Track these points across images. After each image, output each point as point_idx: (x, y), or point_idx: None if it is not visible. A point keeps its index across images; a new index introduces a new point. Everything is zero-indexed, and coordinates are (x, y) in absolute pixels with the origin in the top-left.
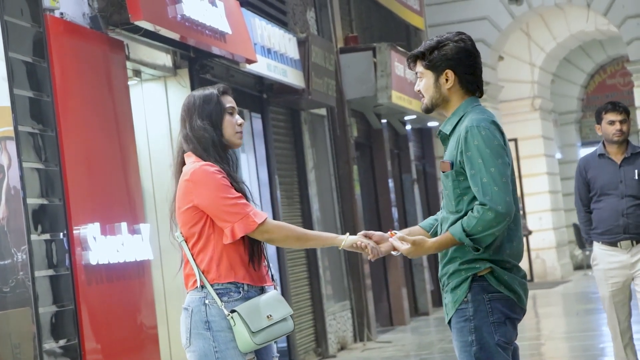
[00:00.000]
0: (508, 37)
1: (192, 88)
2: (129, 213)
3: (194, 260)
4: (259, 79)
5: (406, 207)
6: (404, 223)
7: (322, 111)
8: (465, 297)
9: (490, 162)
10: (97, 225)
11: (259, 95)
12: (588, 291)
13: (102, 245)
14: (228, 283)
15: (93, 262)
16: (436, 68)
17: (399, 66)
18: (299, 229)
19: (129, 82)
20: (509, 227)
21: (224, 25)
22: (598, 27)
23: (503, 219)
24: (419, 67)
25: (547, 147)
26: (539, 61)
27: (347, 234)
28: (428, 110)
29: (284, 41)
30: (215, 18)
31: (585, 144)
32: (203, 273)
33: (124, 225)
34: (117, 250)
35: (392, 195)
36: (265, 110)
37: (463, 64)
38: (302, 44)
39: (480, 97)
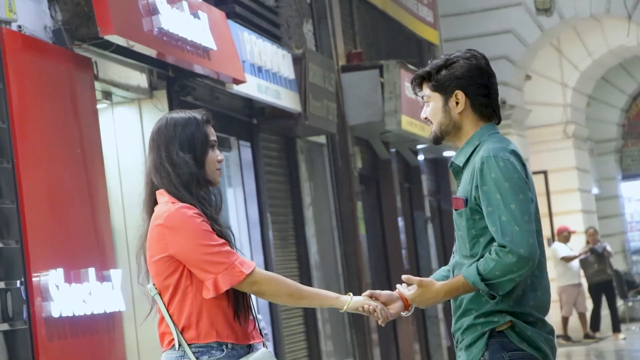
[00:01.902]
0: (536, 53)
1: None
2: (97, 257)
3: (170, 316)
4: (248, 102)
5: (418, 249)
6: (416, 268)
7: (321, 139)
8: (482, 356)
9: (510, 198)
10: (60, 271)
11: (248, 120)
12: (632, 349)
13: (66, 295)
14: (208, 342)
15: (55, 314)
16: (444, 89)
17: (409, 87)
18: (293, 284)
19: (98, 106)
20: (533, 274)
21: (207, 40)
22: None
23: (525, 263)
24: (425, 90)
25: (583, 180)
26: (573, 81)
27: (350, 294)
28: (437, 139)
29: (277, 58)
30: (198, 32)
31: (626, 177)
32: (181, 332)
33: (91, 271)
34: (83, 301)
35: (402, 236)
36: (255, 137)
37: (475, 84)
38: (298, 61)
39: (498, 123)
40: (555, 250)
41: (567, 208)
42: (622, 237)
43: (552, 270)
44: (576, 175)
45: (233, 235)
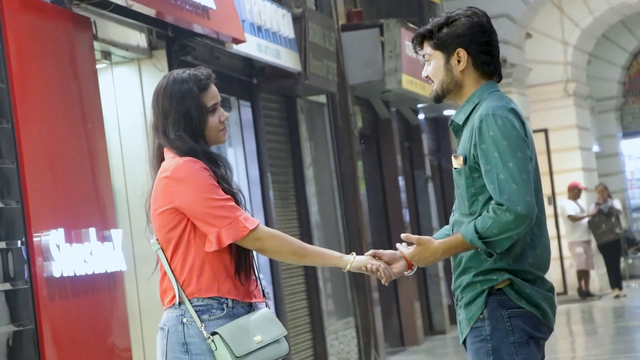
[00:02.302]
0: (537, 11)
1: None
2: (97, 217)
3: (172, 271)
4: (248, 62)
5: (419, 208)
6: (417, 227)
7: (322, 98)
8: (482, 314)
9: (509, 156)
10: (61, 231)
11: (248, 80)
12: (631, 305)
13: (66, 255)
14: (209, 298)
15: (56, 274)
16: (446, 47)
17: (410, 46)
18: (296, 242)
19: (97, 66)
20: (532, 232)
21: (207, 0)
22: None
23: (523, 221)
24: (427, 48)
25: (583, 138)
26: (573, 39)
27: (354, 254)
28: (438, 98)
29: (276, 17)
30: None
31: (627, 134)
32: (181, 286)
33: (92, 231)
34: (84, 261)
35: (403, 195)
36: (255, 97)
37: (477, 42)
38: (297, 20)
39: (499, 81)
40: (563, 208)
41: (567, 166)
42: (623, 194)
43: (562, 226)
44: (577, 133)
45: (243, 197)
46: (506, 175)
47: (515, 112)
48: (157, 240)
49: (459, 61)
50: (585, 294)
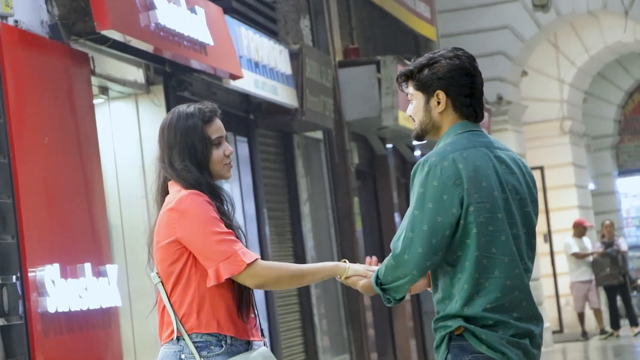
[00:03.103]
0: (533, 49)
1: (168, 107)
2: (93, 252)
3: (171, 305)
4: (245, 97)
5: None
6: None
7: (318, 134)
8: (446, 358)
9: (418, 204)
10: (56, 266)
11: (245, 116)
12: (629, 344)
13: (62, 290)
14: (209, 334)
15: (51, 309)
16: (426, 89)
17: None
18: (291, 266)
19: (95, 101)
20: (480, 278)
21: (204, 36)
22: (637, 38)
23: (408, 271)
24: (410, 88)
25: (579, 176)
26: (569, 77)
27: (346, 260)
28: (419, 137)
29: (274, 53)
30: (195, 27)
31: (622, 172)
32: (180, 321)
33: (87, 266)
34: (79, 296)
35: None
36: (252, 133)
37: (457, 84)
38: (295, 56)
39: (479, 121)
40: (567, 245)
41: (563, 204)
42: (619, 233)
43: (564, 263)
44: (572, 171)
45: (243, 234)
46: (409, 222)
47: (453, 160)
48: (158, 274)
49: (438, 103)
50: (583, 334)
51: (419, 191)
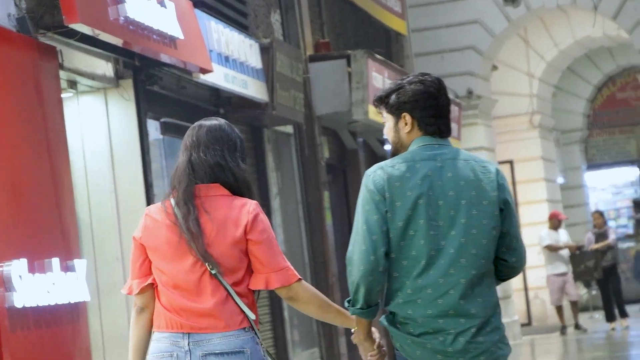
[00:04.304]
0: (503, 43)
1: (137, 101)
2: (61, 247)
3: (240, 298)
4: (215, 92)
5: None
6: None
7: (289, 129)
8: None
9: (358, 209)
10: (23, 261)
11: (215, 110)
12: (595, 337)
13: (29, 285)
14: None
15: (18, 305)
16: (394, 112)
17: (377, 77)
18: (325, 298)
19: (63, 95)
20: (398, 277)
21: (174, 29)
22: (606, 33)
23: (356, 269)
24: (383, 111)
25: (548, 170)
26: (539, 72)
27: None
28: (394, 154)
29: (244, 48)
30: (165, 21)
31: (591, 166)
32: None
33: (55, 261)
34: (47, 291)
35: None
36: None
37: (420, 107)
38: (265, 50)
39: (445, 137)
40: (541, 238)
41: (532, 197)
42: (586, 226)
43: (538, 256)
44: (542, 165)
45: None
46: (354, 227)
47: (382, 169)
48: (219, 264)
49: (405, 124)
50: (562, 329)
51: (359, 198)
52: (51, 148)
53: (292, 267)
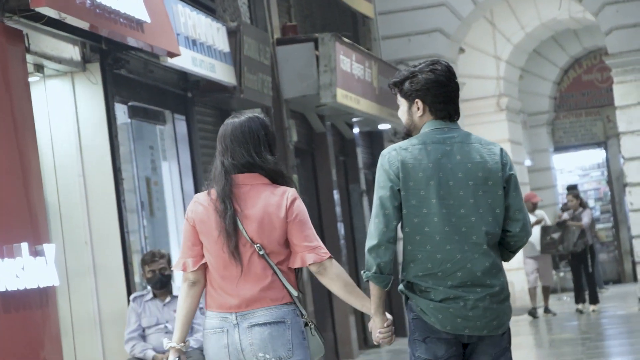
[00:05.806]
0: (470, 26)
1: (104, 85)
2: (30, 232)
3: (284, 277)
4: (183, 75)
5: (354, 222)
6: (352, 240)
7: (257, 112)
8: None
9: (375, 188)
10: None
11: (182, 93)
12: (562, 318)
13: None
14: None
15: None
16: (408, 97)
17: (344, 60)
18: (350, 279)
19: (30, 79)
20: (411, 250)
21: (141, 13)
22: (572, 15)
23: (372, 238)
24: (398, 95)
25: (515, 152)
26: (505, 54)
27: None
28: (407, 135)
29: (211, 31)
30: (132, 4)
31: (558, 148)
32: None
33: (24, 245)
34: (16, 276)
35: (338, 209)
36: (190, 111)
37: (431, 94)
38: (232, 34)
39: (454, 120)
40: None
41: None
42: (554, 208)
43: None
44: (509, 148)
45: None
46: (373, 205)
47: (396, 151)
48: (262, 246)
49: (418, 109)
50: (542, 311)
51: (376, 176)
52: (18, 132)
53: (323, 246)
